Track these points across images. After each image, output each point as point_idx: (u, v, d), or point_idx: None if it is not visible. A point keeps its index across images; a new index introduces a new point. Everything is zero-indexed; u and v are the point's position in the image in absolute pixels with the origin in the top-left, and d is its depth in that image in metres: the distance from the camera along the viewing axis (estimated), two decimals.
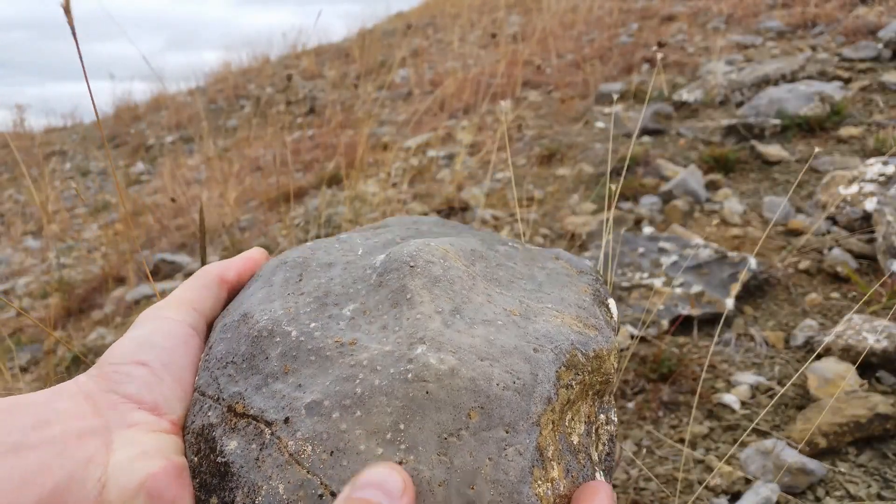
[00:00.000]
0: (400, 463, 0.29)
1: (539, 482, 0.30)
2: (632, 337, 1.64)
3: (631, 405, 1.44)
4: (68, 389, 0.34)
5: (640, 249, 1.87)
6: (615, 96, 1.13)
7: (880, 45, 3.21)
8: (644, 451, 1.31)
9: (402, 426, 0.30)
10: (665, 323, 1.63)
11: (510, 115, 3.70)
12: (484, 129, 3.59)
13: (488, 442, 0.30)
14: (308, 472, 0.30)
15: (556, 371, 0.33)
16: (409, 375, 0.31)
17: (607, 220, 1.40)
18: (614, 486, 1.22)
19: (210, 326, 0.45)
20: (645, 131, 3.00)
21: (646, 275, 1.78)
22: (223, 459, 0.32)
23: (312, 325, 0.36)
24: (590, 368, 0.35)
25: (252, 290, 0.41)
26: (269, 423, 0.32)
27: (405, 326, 0.34)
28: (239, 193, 3.56)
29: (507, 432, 0.30)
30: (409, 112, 4.35)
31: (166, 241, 3.27)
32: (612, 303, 0.43)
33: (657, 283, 1.75)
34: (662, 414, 1.39)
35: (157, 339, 0.38)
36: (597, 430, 0.37)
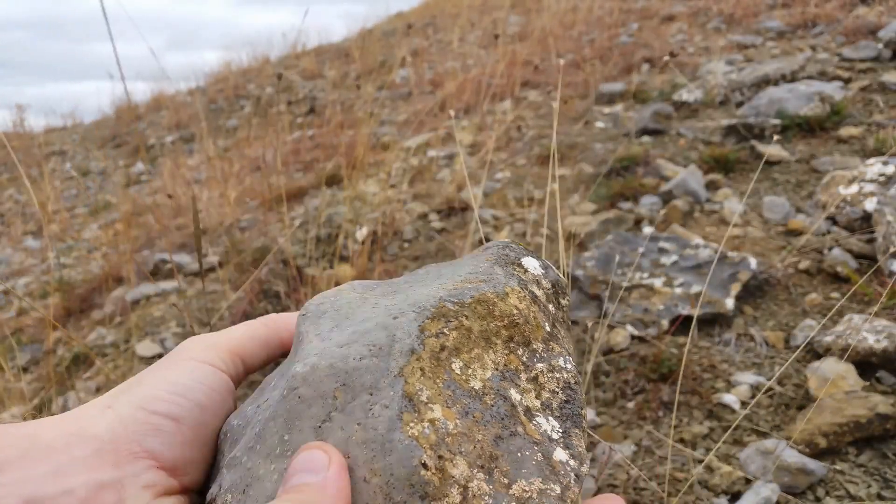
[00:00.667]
0: (286, 469, 0.30)
1: (411, 425, 0.30)
2: (632, 337, 1.64)
3: (631, 405, 1.44)
4: (90, 431, 0.33)
5: (640, 249, 1.87)
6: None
7: (880, 45, 3.21)
8: (644, 451, 1.31)
9: (286, 437, 0.31)
10: (665, 323, 1.63)
11: (510, 115, 3.70)
12: (484, 129, 3.59)
13: (355, 410, 0.31)
14: None
15: (419, 325, 0.34)
16: (284, 392, 0.33)
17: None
18: (614, 487, 1.22)
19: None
20: (645, 131, 3.00)
21: (646, 275, 1.78)
22: None
23: (248, 409, 0.37)
24: (468, 314, 0.35)
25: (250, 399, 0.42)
26: (212, 501, 0.34)
27: (292, 362, 0.36)
28: (239, 193, 3.56)
29: (370, 394, 0.31)
30: (409, 112, 4.35)
31: (166, 241, 3.27)
32: (528, 260, 0.42)
33: (657, 283, 1.75)
34: (662, 414, 1.39)
35: (199, 395, 0.37)
36: (535, 378, 0.36)
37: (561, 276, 0.43)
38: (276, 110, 5.39)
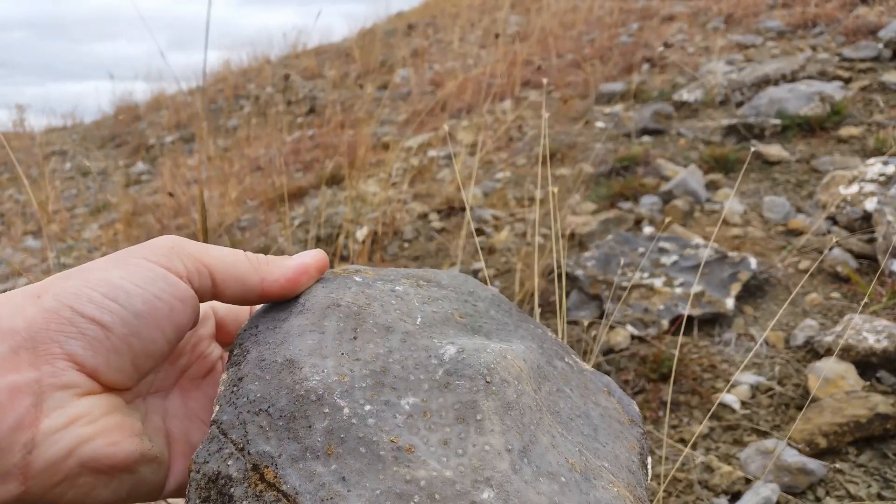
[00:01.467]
0: None
1: None
2: (632, 337, 1.64)
3: None
4: (10, 325, 0.31)
5: (641, 249, 1.87)
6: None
7: (880, 45, 3.21)
8: None
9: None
10: (665, 323, 1.63)
11: (510, 114, 3.70)
12: (484, 128, 3.59)
13: None
14: None
15: None
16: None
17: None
18: None
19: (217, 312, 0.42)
20: (645, 131, 3.00)
21: (646, 275, 1.79)
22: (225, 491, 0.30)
23: (367, 407, 0.33)
24: None
25: (299, 328, 0.37)
26: (288, 496, 0.30)
27: (470, 454, 0.32)
28: (239, 193, 3.56)
29: None
30: (409, 112, 4.36)
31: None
32: (649, 462, 0.41)
33: (657, 283, 1.75)
34: (662, 414, 1.39)
35: (137, 303, 0.33)
36: None
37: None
38: (276, 110, 5.39)
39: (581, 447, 0.36)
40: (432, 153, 3.44)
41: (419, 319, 0.39)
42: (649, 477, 0.39)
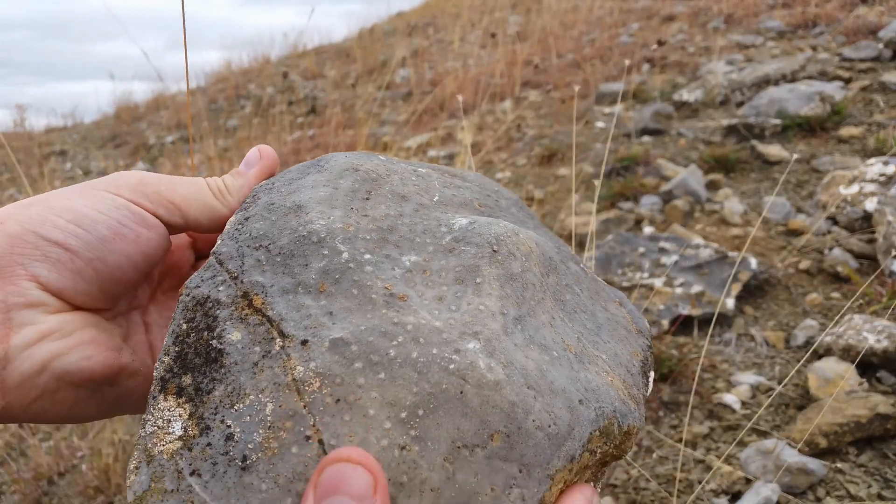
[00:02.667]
0: (402, 448, 0.27)
1: None
2: None
3: None
4: None
5: (641, 249, 1.87)
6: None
7: (881, 45, 3.20)
8: (644, 451, 1.31)
9: (420, 412, 0.28)
10: (665, 323, 1.63)
11: (510, 114, 3.70)
12: (484, 128, 3.59)
13: (498, 473, 0.28)
14: (305, 407, 0.28)
15: (590, 433, 0.31)
16: (451, 367, 0.29)
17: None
18: (614, 487, 1.21)
19: (191, 237, 0.42)
20: (645, 131, 3.00)
21: (646, 275, 1.78)
22: (218, 346, 0.30)
23: (367, 256, 0.33)
24: (616, 442, 0.34)
25: (312, 181, 0.37)
26: (283, 335, 0.30)
27: (463, 311, 0.31)
28: None
29: (520, 472, 0.28)
30: (409, 112, 4.36)
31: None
32: (651, 376, 0.40)
33: (657, 283, 1.75)
34: (663, 414, 1.39)
35: (102, 229, 0.34)
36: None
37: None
38: (277, 110, 5.39)
39: (581, 336, 0.36)
40: (432, 153, 3.44)
41: (436, 197, 0.39)
42: (649, 389, 0.39)
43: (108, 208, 0.34)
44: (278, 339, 0.29)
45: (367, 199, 0.36)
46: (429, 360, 0.29)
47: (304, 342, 0.29)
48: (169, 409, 0.29)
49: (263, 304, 0.31)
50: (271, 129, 4.74)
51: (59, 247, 0.32)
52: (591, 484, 0.34)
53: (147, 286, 0.42)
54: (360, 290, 0.31)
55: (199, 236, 0.44)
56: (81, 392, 0.33)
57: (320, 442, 0.27)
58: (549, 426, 0.29)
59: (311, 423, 0.27)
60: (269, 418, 0.28)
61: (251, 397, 0.28)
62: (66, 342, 0.32)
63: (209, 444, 0.28)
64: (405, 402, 0.28)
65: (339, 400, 0.28)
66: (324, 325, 0.30)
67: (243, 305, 0.31)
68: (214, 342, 0.30)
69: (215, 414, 0.28)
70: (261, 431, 0.27)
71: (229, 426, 0.28)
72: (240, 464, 0.27)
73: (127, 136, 6.50)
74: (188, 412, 0.29)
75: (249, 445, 0.27)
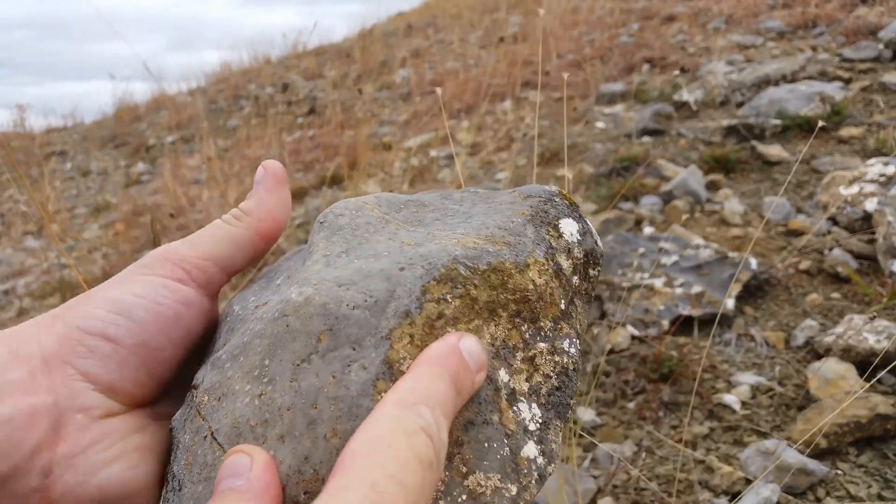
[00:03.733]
0: (260, 395, 0.30)
1: (383, 394, 0.29)
2: (633, 337, 1.64)
3: (631, 405, 1.44)
4: (24, 349, 0.32)
5: (641, 249, 1.87)
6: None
7: (881, 46, 3.20)
8: (644, 451, 1.31)
9: (266, 362, 0.31)
10: (665, 323, 1.63)
11: (510, 115, 3.70)
12: (484, 129, 3.59)
13: (333, 361, 0.30)
14: (203, 419, 0.32)
15: (423, 285, 0.32)
16: (276, 314, 0.32)
17: None
18: (615, 487, 1.21)
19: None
20: (645, 131, 3.00)
21: (646, 275, 1.78)
22: (170, 427, 0.34)
23: (251, 298, 0.37)
24: (478, 282, 0.33)
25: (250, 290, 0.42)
26: (195, 387, 0.34)
27: (295, 279, 0.35)
28: (239, 194, 3.56)
29: (353, 349, 0.30)
30: (409, 112, 4.36)
31: (166, 241, 3.26)
32: (566, 223, 0.38)
33: (657, 283, 1.75)
34: (663, 414, 1.39)
35: (140, 313, 0.34)
36: (531, 358, 0.34)
37: (599, 243, 0.39)
38: (277, 110, 5.39)
39: (434, 231, 0.37)
40: (433, 153, 3.44)
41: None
42: (566, 235, 0.38)
43: (144, 291, 0.35)
44: (192, 392, 0.34)
45: (269, 281, 0.41)
46: (265, 323, 0.33)
47: (202, 380, 0.34)
48: None
49: (193, 382, 0.35)
50: (269, 129, 4.74)
51: (102, 338, 0.33)
52: (514, 331, 0.33)
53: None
54: (239, 322, 0.36)
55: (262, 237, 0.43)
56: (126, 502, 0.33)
57: (212, 433, 0.31)
58: (366, 300, 0.31)
59: (207, 426, 0.31)
60: (188, 444, 0.32)
61: (182, 440, 0.33)
62: (111, 451, 0.32)
63: None
64: (255, 363, 0.31)
65: (220, 397, 0.32)
66: (212, 359, 0.35)
67: (187, 393, 0.36)
68: (169, 428, 0.35)
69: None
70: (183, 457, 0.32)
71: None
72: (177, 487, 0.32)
73: (127, 136, 6.50)
74: None
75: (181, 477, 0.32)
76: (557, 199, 0.40)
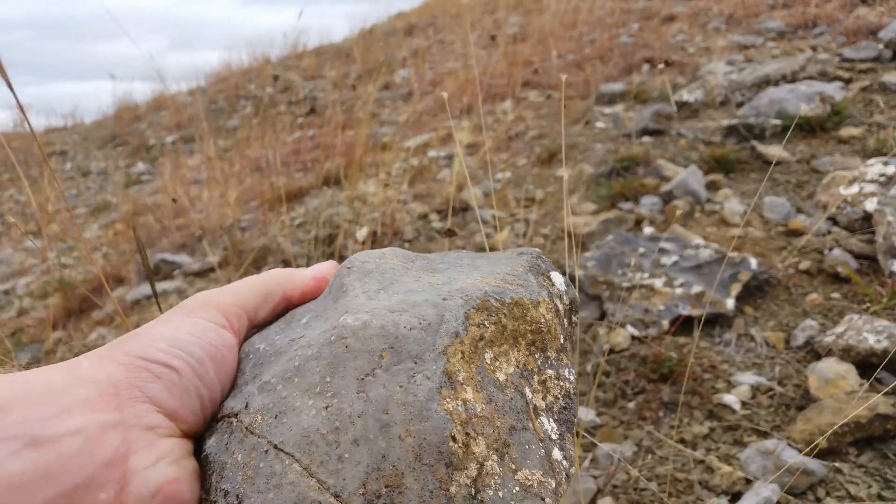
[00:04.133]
0: (327, 407, 0.33)
1: (448, 400, 0.33)
2: (633, 337, 1.64)
3: (631, 405, 1.44)
4: (89, 375, 0.33)
5: (641, 249, 1.87)
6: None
7: (881, 46, 3.20)
8: (644, 451, 1.31)
9: (328, 379, 0.34)
10: (665, 323, 1.63)
11: (510, 115, 3.70)
12: (484, 129, 3.59)
13: (398, 373, 0.34)
14: (258, 436, 0.34)
15: (465, 312, 0.37)
16: (332, 338, 0.36)
17: None
18: (615, 487, 1.21)
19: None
20: (645, 131, 3.00)
21: (646, 275, 1.78)
22: (203, 454, 0.36)
23: (277, 337, 0.40)
24: (506, 313, 0.39)
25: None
26: (235, 415, 0.36)
27: (338, 310, 0.39)
28: (239, 194, 3.56)
29: (415, 363, 0.34)
30: (409, 112, 4.36)
31: (167, 241, 3.27)
32: (555, 275, 0.46)
33: (657, 283, 1.75)
34: (663, 414, 1.39)
35: (196, 350, 0.37)
36: (544, 382, 0.39)
37: (577, 294, 0.47)
38: (277, 110, 5.39)
39: (451, 277, 0.43)
40: (432, 153, 3.44)
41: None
42: (557, 285, 0.45)
43: (196, 331, 0.37)
44: (233, 420, 0.36)
45: (286, 327, 0.43)
46: (319, 348, 0.36)
47: (246, 405, 0.36)
48: None
49: (220, 411, 0.37)
50: (269, 130, 4.75)
51: (167, 367, 0.35)
52: (531, 358, 0.39)
53: None
54: (275, 356, 0.39)
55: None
56: None
57: (275, 446, 0.33)
58: (420, 323, 0.36)
59: (266, 441, 0.34)
60: (241, 462, 0.34)
61: (229, 462, 0.34)
62: (177, 467, 0.34)
63: None
64: (315, 381, 0.34)
65: (276, 415, 0.34)
66: (254, 388, 0.37)
67: (211, 424, 0.38)
68: (201, 455, 0.37)
69: None
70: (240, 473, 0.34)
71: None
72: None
73: (127, 136, 6.50)
74: None
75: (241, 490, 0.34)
76: (544, 257, 0.48)
